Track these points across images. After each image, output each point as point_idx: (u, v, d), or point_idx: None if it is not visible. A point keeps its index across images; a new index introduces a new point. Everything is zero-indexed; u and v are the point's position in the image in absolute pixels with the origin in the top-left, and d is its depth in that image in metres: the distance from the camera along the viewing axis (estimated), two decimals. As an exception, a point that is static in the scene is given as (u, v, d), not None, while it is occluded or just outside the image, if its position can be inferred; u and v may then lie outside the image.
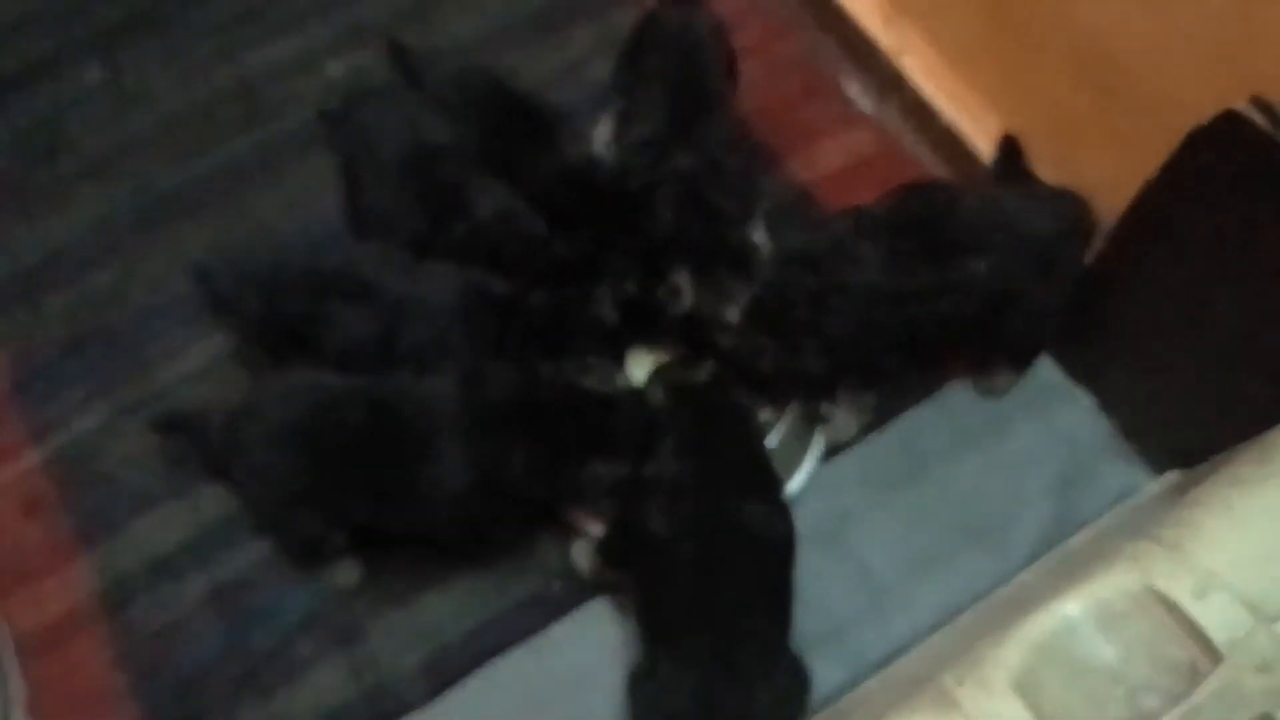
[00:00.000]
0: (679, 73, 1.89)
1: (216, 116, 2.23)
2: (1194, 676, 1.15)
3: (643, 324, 1.83)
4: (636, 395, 1.68)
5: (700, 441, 1.58)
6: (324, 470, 1.58)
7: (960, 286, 1.63)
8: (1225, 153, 1.41)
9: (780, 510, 1.55)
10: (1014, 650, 1.19)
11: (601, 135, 2.08)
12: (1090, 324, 1.80)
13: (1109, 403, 1.87)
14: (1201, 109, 1.41)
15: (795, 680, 1.47)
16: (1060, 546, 1.76)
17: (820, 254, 1.67)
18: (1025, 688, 1.17)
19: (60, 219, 2.12)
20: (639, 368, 1.84)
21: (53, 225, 2.11)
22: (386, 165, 1.82)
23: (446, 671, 1.68)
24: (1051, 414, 1.88)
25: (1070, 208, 1.68)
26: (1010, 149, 1.87)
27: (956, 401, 1.90)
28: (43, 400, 1.93)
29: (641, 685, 1.49)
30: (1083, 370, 1.89)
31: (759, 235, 1.94)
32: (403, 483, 1.55)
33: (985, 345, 1.86)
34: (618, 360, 1.83)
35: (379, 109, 1.91)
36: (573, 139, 1.91)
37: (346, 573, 1.74)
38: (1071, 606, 1.21)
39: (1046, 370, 1.91)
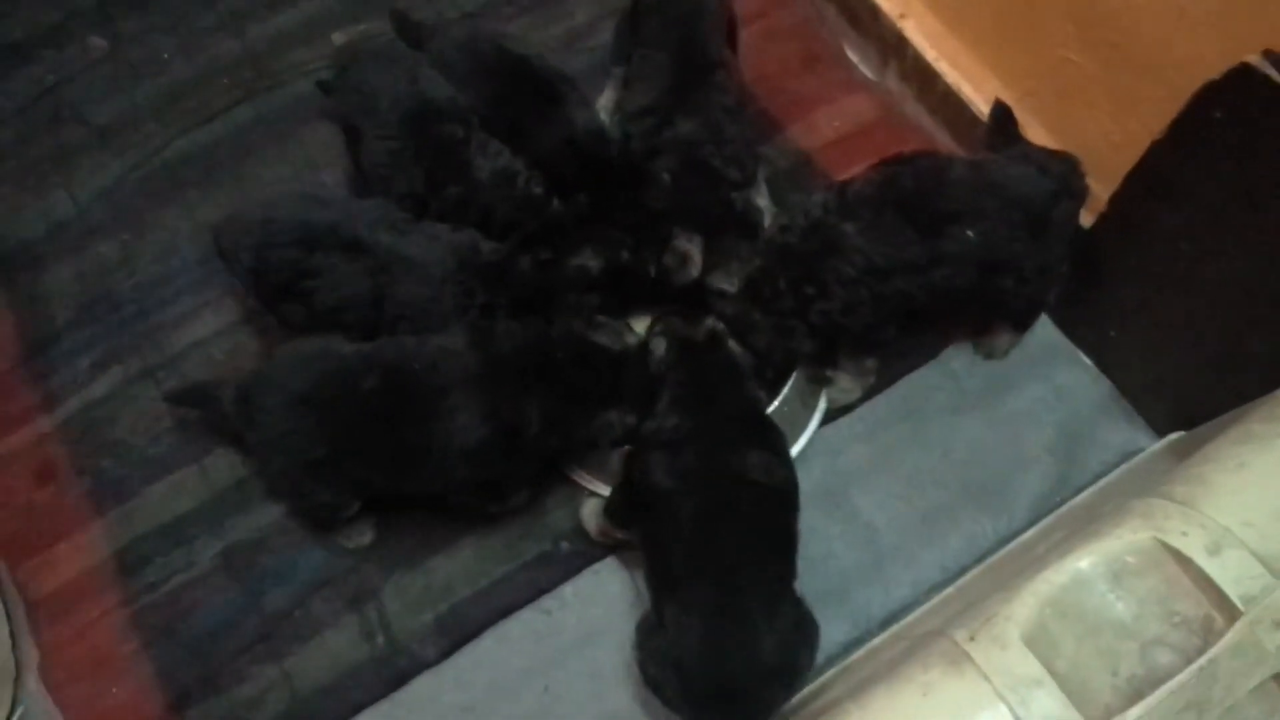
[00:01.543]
0: (679, 39, 1.88)
1: (220, 86, 2.23)
2: (1208, 633, 1.16)
3: (639, 291, 1.84)
4: (643, 350, 1.69)
5: (698, 394, 1.59)
6: (342, 436, 1.59)
7: (953, 256, 1.63)
8: (1237, 107, 1.40)
9: (780, 457, 1.57)
10: (1026, 605, 1.20)
11: (604, 102, 2.08)
12: (1091, 285, 1.80)
13: (1110, 364, 1.88)
14: (1208, 66, 1.40)
15: (801, 626, 1.49)
16: (1062, 507, 1.77)
17: (795, 245, 1.66)
18: (1037, 643, 1.17)
19: (65, 188, 2.12)
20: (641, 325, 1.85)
21: (58, 194, 2.11)
22: (386, 120, 1.82)
23: (458, 631, 1.70)
24: (1052, 375, 1.89)
25: (1060, 168, 1.68)
26: (1002, 114, 1.87)
27: (958, 363, 1.91)
28: (53, 368, 1.94)
29: (648, 635, 1.51)
30: (1083, 332, 1.90)
31: (763, 200, 1.96)
32: (420, 443, 1.56)
33: (984, 310, 1.87)
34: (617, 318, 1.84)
35: (379, 65, 1.90)
36: (581, 105, 1.90)
37: (359, 535, 1.76)
38: (1083, 562, 1.22)
39: (1047, 332, 1.92)
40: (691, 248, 1.78)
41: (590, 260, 1.77)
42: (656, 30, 1.91)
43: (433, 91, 1.84)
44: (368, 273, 1.68)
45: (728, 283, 1.74)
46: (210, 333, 1.95)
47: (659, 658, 1.47)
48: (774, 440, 1.58)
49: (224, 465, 1.84)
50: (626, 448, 1.65)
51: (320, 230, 1.70)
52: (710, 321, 1.69)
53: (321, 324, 1.69)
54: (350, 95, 1.90)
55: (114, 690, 1.68)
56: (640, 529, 1.59)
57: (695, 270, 1.79)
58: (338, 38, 2.26)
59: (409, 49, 2.00)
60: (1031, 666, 1.15)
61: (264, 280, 1.73)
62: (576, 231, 1.81)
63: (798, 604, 1.49)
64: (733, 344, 1.69)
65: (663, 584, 1.50)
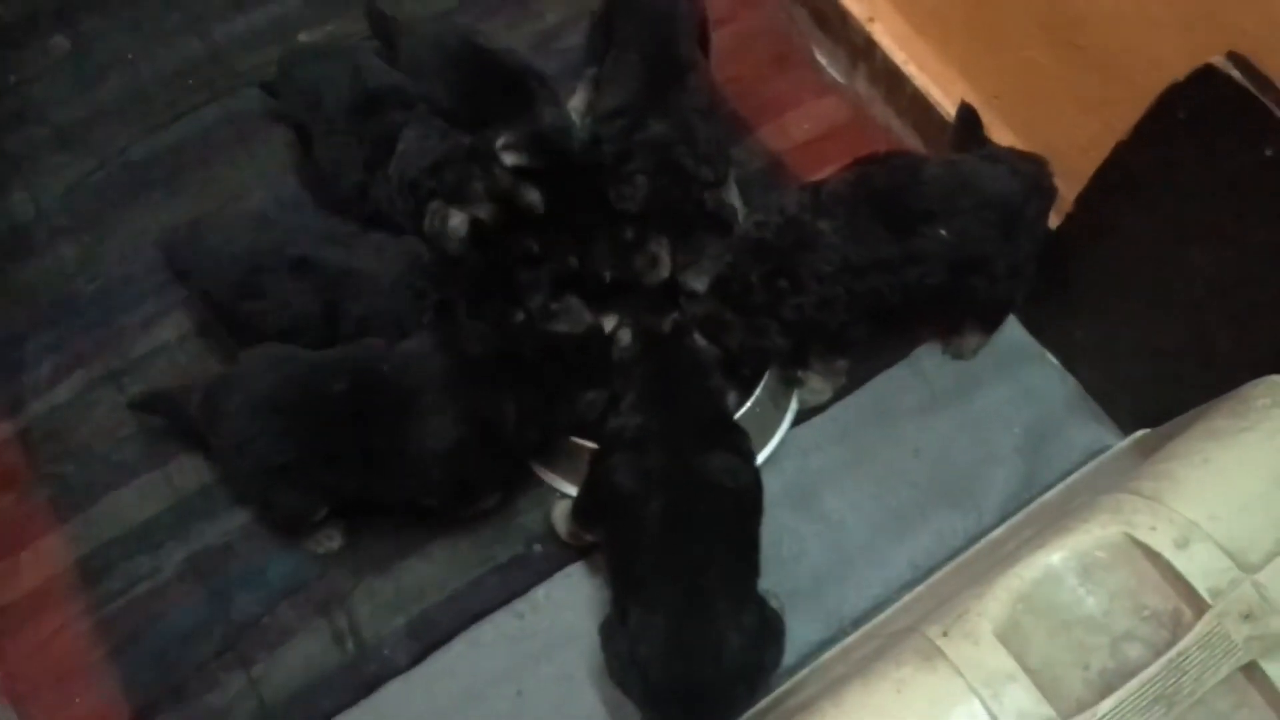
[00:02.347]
0: (651, 41, 1.88)
1: (185, 87, 2.21)
2: (1177, 626, 1.18)
3: (597, 290, 1.83)
4: (601, 331, 1.71)
5: (663, 390, 1.59)
6: (310, 440, 1.57)
7: (926, 255, 1.64)
8: (1202, 108, 1.41)
9: (743, 458, 1.56)
10: (998, 600, 1.21)
11: (576, 104, 2.07)
12: (1057, 285, 1.82)
13: (1076, 363, 1.90)
14: (1172, 67, 1.42)
15: (766, 625, 1.48)
16: (1031, 504, 1.78)
17: (771, 241, 1.67)
18: (1010, 638, 1.18)
19: (27, 189, 2.08)
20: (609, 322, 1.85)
21: (20, 195, 2.08)
22: (332, 115, 1.81)
23: (429, 635, 1.68)
24: (1020, 375, 1.91)
25: (1031, 169, 1.69)
26: (968, 116, 1.87)
27: (927, 364, 1.92)
28: (14, 372, 1.90)
29: (612, 635, 1.50)
30: (1050, 332, 1.92)
31: (734, 201, 1.96)
32: (392, 445, 1.54)
33: (954, 309, 1.88)
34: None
35: (320, 62, 1.89)
36: (550, 102, 1.89)
37: (327, 540, 1.74)
38: (1054, 557, 1.23)
39: (1014, 332, 1.94)
40: (660, 250, 1.78)
41: (529, 245, 1.76)
42: (629, 32, 1.90)
43: (374, 81, 1.84)
44: (316, 290, 1.67)
45: (699, 282, 1.74)
46: (175, 337, 1.92)
47: (623, 658, 1.46)
48: (737, 441, 1.58)
49: (189, 470, 1.81)
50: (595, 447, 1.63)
51: (265, 252, 1.69)
52: (675, 315, 1.70)
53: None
54: (295, 95, 1.90)
55: (78, 700, 1.65)
56: (604, 529, 1.58)
57: (665, 271, 1.79)
58: (304, 39, 2.24)
59: (348, 45, 1.99)
60: (1004, 661, 1.16)
61: (215, 304, 1.73)
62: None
63: (762, 604, 1.49)
64: (698, 337, 1.69)
65: (626, 584, 1.50)
